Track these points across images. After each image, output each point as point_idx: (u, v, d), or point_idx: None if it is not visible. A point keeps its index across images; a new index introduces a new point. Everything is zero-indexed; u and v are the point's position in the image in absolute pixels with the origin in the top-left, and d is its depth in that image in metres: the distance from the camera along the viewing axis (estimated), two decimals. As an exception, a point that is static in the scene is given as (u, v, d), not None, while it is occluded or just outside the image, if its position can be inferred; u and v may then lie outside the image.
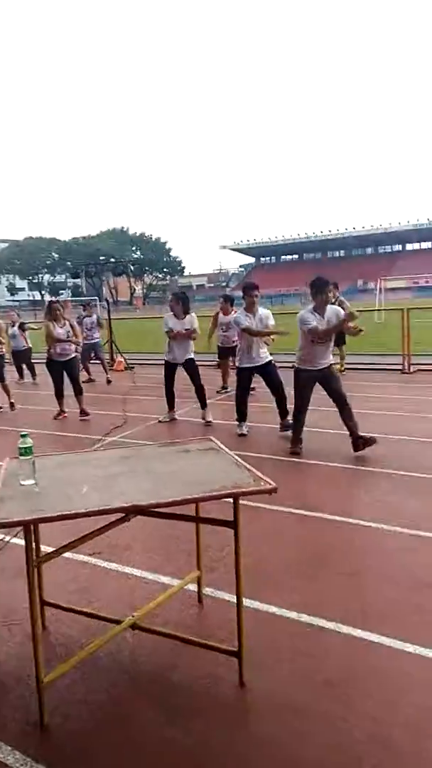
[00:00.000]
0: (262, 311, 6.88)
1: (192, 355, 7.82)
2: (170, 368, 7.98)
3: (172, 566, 3.66)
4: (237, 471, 2.55)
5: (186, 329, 7.65)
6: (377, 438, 5.90)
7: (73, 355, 8.59)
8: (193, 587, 3.29)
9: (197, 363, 7.91)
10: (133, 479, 2.53)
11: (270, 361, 6.98)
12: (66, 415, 8.74)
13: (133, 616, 2.76)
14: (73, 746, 2.24)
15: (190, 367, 7.81)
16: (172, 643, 2.81)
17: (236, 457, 2.77)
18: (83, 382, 10.80)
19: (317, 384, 6.10)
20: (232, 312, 9.76)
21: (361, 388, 9.63)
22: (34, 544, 2.31)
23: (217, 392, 10.01)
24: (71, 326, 8.52)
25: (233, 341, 9.36)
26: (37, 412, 9.34)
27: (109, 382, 12.27)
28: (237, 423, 7.10)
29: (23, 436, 2.48)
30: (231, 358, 9.98)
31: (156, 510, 2.67)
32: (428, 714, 2.31)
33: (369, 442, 5.85)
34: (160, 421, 8.05)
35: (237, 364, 7.29)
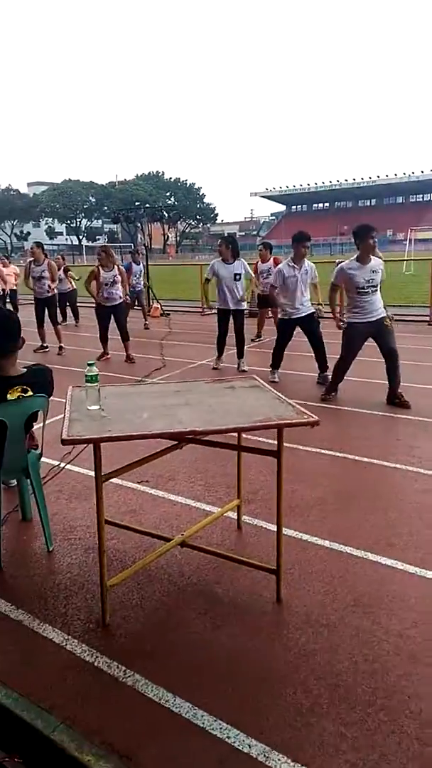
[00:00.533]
0: (308, 264, 6.85)
1: (244, 305, 7.65)
2: (222, 315, 7.78)
3: (213, 496, 3.92)
4: (280, 405, 2.75)
5: (236, 273, 7.43)
6: (406, 387, 6.02)
7: (119, 301, 8.67)
8: (233, 515, 3.55)
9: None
10: (188, 409, 2.75)
11: (313, 313, 6.94)
12: (109, 356, 8.99)
13: (182, 535, 3.03)
14: (131, 643, 2.53)
15: (238, 318, 7.64)
16: (216, 561, 3.09)
17: (279, 394, 2.96)
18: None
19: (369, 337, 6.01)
20: (271, 259, 9.80)
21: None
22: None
23: (252, 340, 10.12)
24: (119, 271, 8.62)
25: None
26: (81, 353, 9.57)
27: (146, 327, 12.50)
28: (270, 370, 7.24)
29: (90, 364, 2.71)
30: (269, 308, 10.07)
31: (207, 439, 2.91)
32: (450, 632, 2.54)
33: (404, 405, 5.89)
34: (213, 368, 7.99)
35: (279, 315, 7.32)
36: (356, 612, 2.70)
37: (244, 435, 4.29)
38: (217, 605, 2.78)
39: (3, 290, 12.97)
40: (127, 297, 8.89)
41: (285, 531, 3.32)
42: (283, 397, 2.90)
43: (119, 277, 8.54)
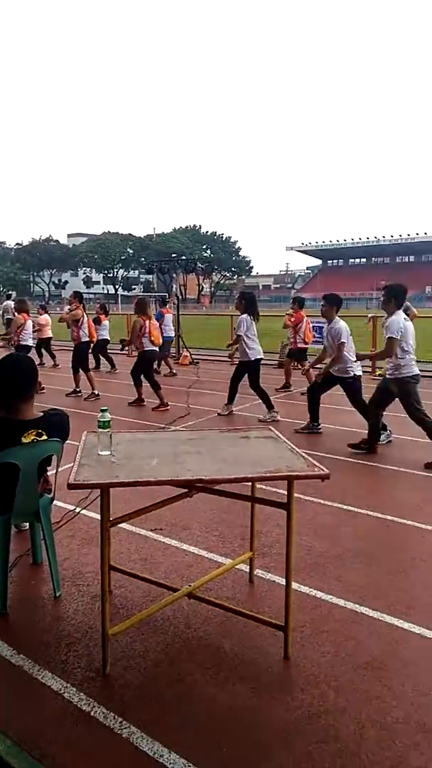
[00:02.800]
0: (331, 324, 6.83)
1: (249, 357, 7.80)
2: (238, 366, 8.07)
3: (227, 548, 3.87)
4: (293, 457, 2.73)
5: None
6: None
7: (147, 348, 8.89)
8: (245, 567, 3.48)
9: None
10: (199, 457, 2.75)
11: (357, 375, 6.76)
12: (144, 403, 9.08)
13: (189, 585, 2.98)
14: (130, 694, 2.47)
15: (245, 368, 7.91)
16: (224, 615, 3.02)
17: (292, 446, 2.94)
18: (165, 375, 11.57)
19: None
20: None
21: (425, 396, 9.51)
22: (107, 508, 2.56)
23: (276, 390, 10.14)
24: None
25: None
26: (113, 398, 9.68)
27: (174, 374, 12.62)
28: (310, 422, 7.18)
29: (103, 410, 2.74)
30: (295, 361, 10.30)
31: (219, 488, 2.90)
32: (464, 702, 2.41)
33: None
34: (219, 414, 8.25)
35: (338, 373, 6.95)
36: (367, 675, 2.59)
37: (260, 486, 4.27)
38: (221, 660, 2.70)
39: (37, 338, 13.22)
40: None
41: (299, 587, 3.29)
42: (297, 449, 2.88)
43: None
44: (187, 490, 2.91)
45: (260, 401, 7.92)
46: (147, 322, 8.70)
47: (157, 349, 9.13)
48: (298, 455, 2.76)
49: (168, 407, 8.70)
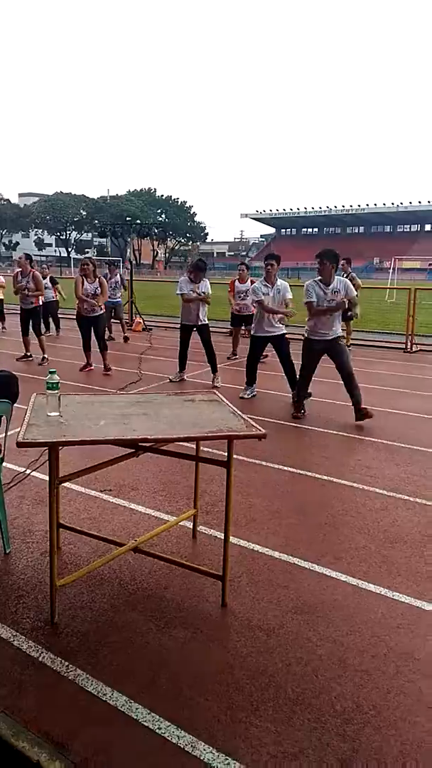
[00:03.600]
0: (281, 283, 7.13)
1: (206, 321, 8.14)
2: (184, 330, 8.30)
3: (173, 506, 4.05)
4: (233, 418, 2.90)
5: (202, 292, 7.96)
6: (373, 411, 6.25)
7: (100, 312, 8.91)
8: (189, 524, 3.67)
9: (211, 329, 8.23)
10: (145, 419, 2.89)
11: (283, 334, 7.22)
12: (92, 368, 9.17)
13: (135, 540, 3.15)
14: (78, 642, 2.63)
15: (203, 332, 8.14)
16: (167, 567, 3.22)
17: (234, 408, 3.11)
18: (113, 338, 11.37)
19: (326, 355, 6.39)
20: (249, 281, 10.05)
21: (364, 364, 10.04)
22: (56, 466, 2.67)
23: (228, 358, 10.35)
24: (100, 283, 8.83)
25: (248, 309, 9.70)
26: (64, 364, 9.65)
27: (126, 340, 12.64)
28: (244, 387, 7.45)
29: (51, 372, 2.84)
30: (244, 327, 10.33)
31: (161, 448, 3.05)
32: (380, 641, 2.68)
33: (368, 415, 6.17)
34: (170, 381, 8.41)
35: (252, 332, 7.57)
36: (296, 619, 2.83)
37: (207, 449, 4.45)
38: (164, 609, 2.89)
39: None
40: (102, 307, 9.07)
41: (239, 541, 3.51)
42: (238, 412, 3.04)
43: (100, 289, 8.72)
44: (133, 450, 3.05)
45: (209, 366, 8.23)
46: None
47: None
48: (238, 417, 2.93)
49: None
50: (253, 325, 7.53)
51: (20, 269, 9.71)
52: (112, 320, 12.88)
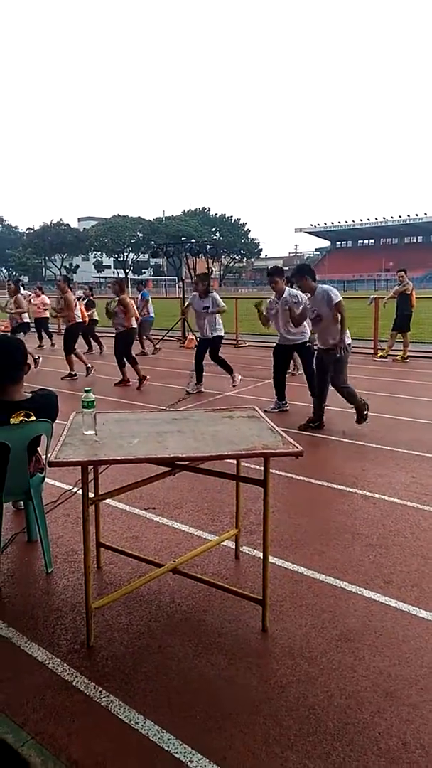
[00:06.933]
0: (289, 294, 7.13)
1: (216, 334, 8.52)
2: (200, 343, 8.89)
3: (216, 525, 3.96)
4: (270, 435, 2.80)
5: (205, 307, 8.37)
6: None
7: (120, 330, 9.23)
8: (231, 544, 3.58)
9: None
10: (180, 436, 2.83)
11: (304, 342, 7.26)
12: (129, 383, 9.44)
13: (174, 561, 3.08)
14: (113, 666, 2.57)
15: (212, 343, 8.59)
16: (208, 590, 3.13)
17: (273, 424, 3.01)
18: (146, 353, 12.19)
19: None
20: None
21: (419, 376, 9.78)
22: (90, 485, 2.64)
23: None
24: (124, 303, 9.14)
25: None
26: (106, 380, 9.84)
27: (144, 353, 12.87)
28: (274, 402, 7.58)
29: (87, 390, 2.82)
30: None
31: (202, 467, 2.99)
32: (431, 673, 2.49)
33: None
34: (187, 393, 8.64)
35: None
36: (340, 647, 2.68)
37: (250, 466, 4.35)
38: (202, 633, 2.80)
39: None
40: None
41: (284, 564, 3.40)
42: (276, 428, 2.95)
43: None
44: (170, 468, 2.99)
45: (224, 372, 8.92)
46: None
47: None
48: (276, 434, 2.83)
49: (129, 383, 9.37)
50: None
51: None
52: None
